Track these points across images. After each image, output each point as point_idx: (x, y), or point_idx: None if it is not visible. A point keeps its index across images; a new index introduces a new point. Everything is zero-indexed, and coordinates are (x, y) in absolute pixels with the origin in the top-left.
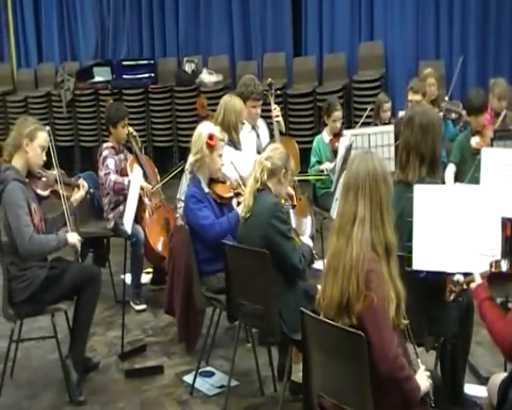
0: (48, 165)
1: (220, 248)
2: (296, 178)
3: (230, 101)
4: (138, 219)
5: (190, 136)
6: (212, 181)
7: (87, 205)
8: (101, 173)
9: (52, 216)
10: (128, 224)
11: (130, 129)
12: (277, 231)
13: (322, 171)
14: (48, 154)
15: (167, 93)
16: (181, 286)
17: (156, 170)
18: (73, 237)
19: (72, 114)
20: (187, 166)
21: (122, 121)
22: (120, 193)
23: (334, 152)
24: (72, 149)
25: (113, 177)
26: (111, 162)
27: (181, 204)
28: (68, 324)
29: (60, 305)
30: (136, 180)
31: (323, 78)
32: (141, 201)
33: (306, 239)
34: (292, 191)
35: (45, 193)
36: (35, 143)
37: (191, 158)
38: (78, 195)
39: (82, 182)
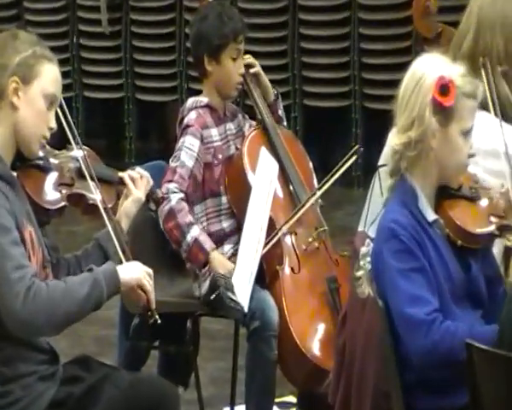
0: (60, 142)
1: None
2: None
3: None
4: (267, 277)
5: (394, 84)
6: (447, 194)
7: (147, 235)
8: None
9: (75, 254)
10: (244, 289)
11: (253, 61)
12: None
13: None
14: (58, 120)
15: None
16: None
17: (311, 164)
18: (134, 270)
19: (123, 28)
20: (383, 159)
21: (232, 46)
22: (173, 244)
23: None
24: (119, 104)
25: (176, 191)
26: (192, 143)
27: (368, 247)
28: None
29: None
30: (262, 186)
31: None
32: (272, 233)
33: None
34: None
35: (56, 202)
36: (35, 86)
37: (396, 138)
38: (132, 197)
39: (141, 171)
